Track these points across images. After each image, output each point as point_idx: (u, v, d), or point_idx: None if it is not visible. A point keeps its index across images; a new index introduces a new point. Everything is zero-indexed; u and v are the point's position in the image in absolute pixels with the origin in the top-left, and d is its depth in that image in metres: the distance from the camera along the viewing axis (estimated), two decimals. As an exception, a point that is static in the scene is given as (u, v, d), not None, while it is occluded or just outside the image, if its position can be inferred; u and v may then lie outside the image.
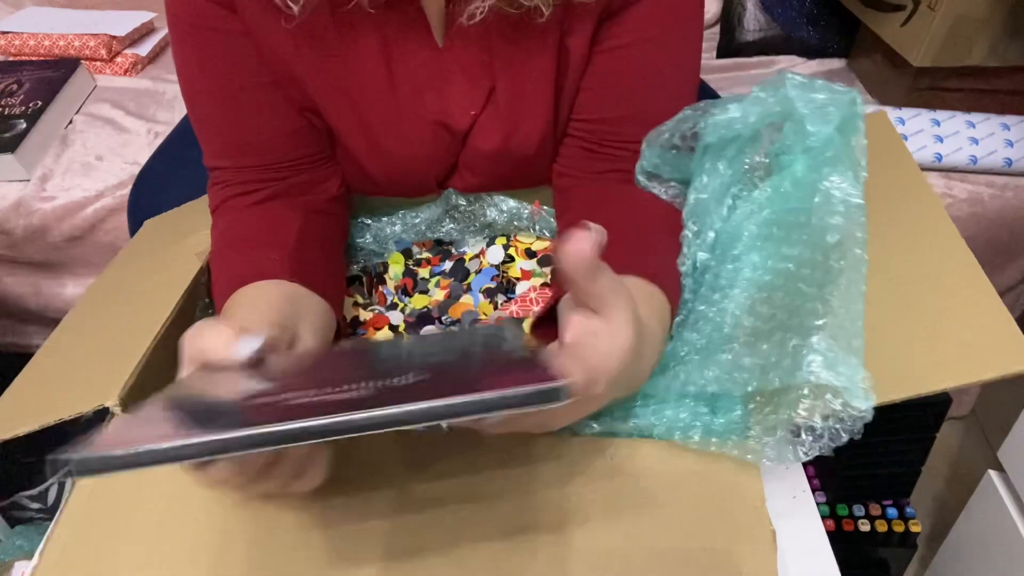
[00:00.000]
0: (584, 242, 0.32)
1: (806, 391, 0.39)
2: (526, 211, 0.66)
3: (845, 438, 0.39)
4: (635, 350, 0.35)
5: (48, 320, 1.25)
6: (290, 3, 0.49)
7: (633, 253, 0.50)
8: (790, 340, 0.41)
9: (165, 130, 1.22)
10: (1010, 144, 1.09)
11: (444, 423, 0.28)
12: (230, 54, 0.54)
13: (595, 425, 0.44)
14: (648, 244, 0.53)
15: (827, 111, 0.48)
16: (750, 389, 0.42)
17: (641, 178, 0.58)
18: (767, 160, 0.53)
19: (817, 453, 0.39)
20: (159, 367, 0.49)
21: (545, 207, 0.67)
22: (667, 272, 0.51)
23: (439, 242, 0.70)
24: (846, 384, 0.38)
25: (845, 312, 0.41)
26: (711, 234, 0.54)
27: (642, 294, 0.46)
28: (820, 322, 0.41)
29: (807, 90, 0.48)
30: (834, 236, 0.45)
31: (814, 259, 0.46)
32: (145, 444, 0.27)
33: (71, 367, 0.52)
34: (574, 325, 0.36)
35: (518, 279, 0.65)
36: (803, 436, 0.39)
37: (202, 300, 0.59)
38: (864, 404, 0.38)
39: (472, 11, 0.49)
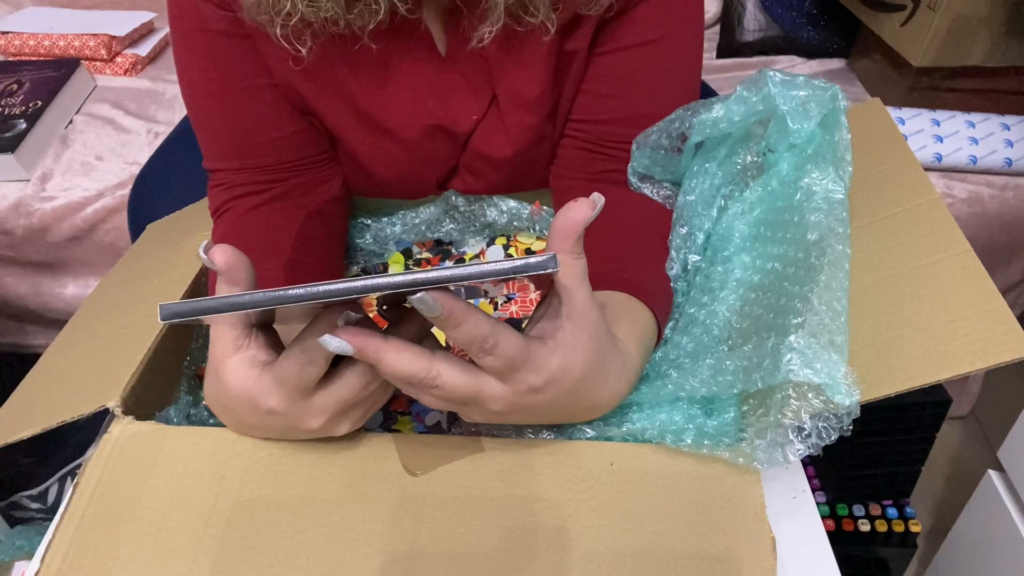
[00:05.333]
0: (580, 212, 0.35)
1: (791, 391, 0.38)
2: (526, 211, 0.65)
3: (835, 436, 0.38)
4: (595, 357, 0.37)
5: (48, 320, 1.25)
6: (299, 47, 0.50)
7: (622, 265, 0.50)
8: (769, 340, 0.41)
9: (165, 130, 1.22)
10: (1010, 144, 1.09)
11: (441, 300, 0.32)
12: (231, 56, 0.54)
13: (588, 430, 0.44)
14: (638, 254, 0.53)
15: (808, 107, 0.48)
16: (735, 392, 0.41)
17: (633, 180, 0.58)
18: (760, 159, 0.53)
19: (807, 453, 0.38)
20: (160, 367, 0.50)
21: (545, 207, 0.66)
22: (655, 284, 0.50)
23: (439, 242, 0.70)
24: (826, 380, 0.38)
25: (826, 309, 0.40)
26: (700, 236, 0.54)
27: (625, 312, 0.45)
28: (798, 320, 0.40)
29: (788, 87, 0.48)
30: (814, 233, 0.44)
31: (797, 257, 0.45)
32: (227, 297, 0.32)
33: (73, 370, 0.52)
34: (538, 326, 0.39)
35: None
36: (791, 436, 0.38)
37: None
38: (847, 400, 0.37)
39: (481, 35, 0.50)
